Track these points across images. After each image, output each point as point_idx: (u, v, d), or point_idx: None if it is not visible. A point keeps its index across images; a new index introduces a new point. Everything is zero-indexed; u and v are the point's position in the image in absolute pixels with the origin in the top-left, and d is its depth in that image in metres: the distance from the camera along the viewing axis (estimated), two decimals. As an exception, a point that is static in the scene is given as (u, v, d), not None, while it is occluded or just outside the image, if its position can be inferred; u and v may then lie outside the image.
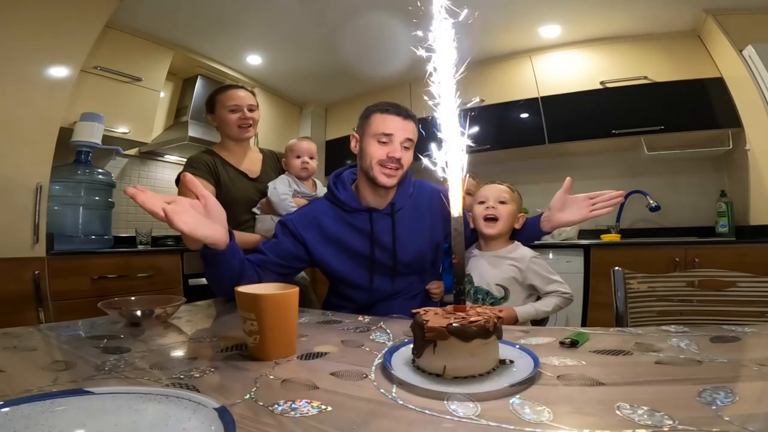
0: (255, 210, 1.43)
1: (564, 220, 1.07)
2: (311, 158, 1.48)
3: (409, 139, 1.05)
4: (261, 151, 1.55)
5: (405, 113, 1.05)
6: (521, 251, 1.13)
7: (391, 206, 1.10)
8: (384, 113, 1.04)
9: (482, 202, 1.15)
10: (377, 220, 1.08)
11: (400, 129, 1.03)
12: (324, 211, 1.11)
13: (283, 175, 1.47)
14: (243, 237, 1.32)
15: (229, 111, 1.40)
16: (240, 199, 1.40)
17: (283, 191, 1.39)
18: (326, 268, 1.11)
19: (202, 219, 0.77)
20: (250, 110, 1.42)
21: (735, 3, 2.20)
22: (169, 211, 0.69)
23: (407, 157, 1.06)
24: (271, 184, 1.41)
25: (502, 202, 1.13)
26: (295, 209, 1.27)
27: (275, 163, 1.55)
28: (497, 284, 1.10)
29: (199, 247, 0.85)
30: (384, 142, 1.03)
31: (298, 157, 1.46)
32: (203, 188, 0.78)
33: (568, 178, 1.07)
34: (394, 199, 1.11)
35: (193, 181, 0.77)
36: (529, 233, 1.17)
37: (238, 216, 1.39)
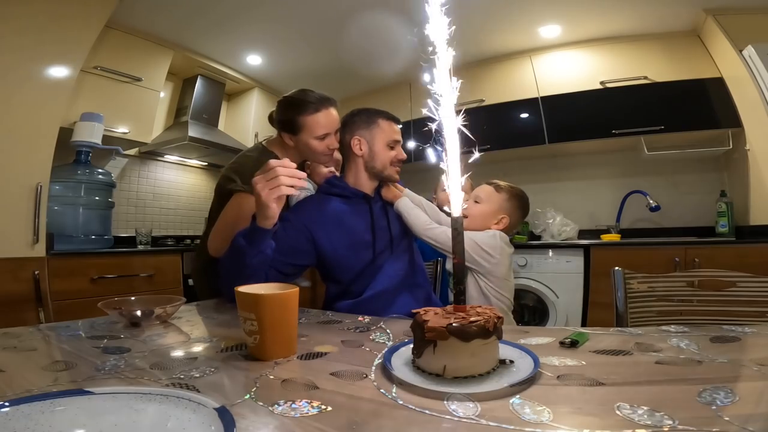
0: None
1: None
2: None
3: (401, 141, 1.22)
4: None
5: (398, 119, 1.21)
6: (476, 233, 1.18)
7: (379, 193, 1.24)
8: (390, 121, 1.19)
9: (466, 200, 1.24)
10: (373, 203, 1.20)
11: (400, 134, 1.20)
12: (321, 200, 1.18)
13: None
14: None
15: (318, 139, 1.20)
16: None
17: None
18: (329, 252, 1.11)
19: None
20: (336, 132, 1.23)
21: (735, 3, 2.20)
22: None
23: None
24: None
25: (475, 202, 1.23)
26: None
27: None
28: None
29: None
30: (392, 147, 1.18)
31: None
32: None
33: None
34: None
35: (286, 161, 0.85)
36: None
37: None
